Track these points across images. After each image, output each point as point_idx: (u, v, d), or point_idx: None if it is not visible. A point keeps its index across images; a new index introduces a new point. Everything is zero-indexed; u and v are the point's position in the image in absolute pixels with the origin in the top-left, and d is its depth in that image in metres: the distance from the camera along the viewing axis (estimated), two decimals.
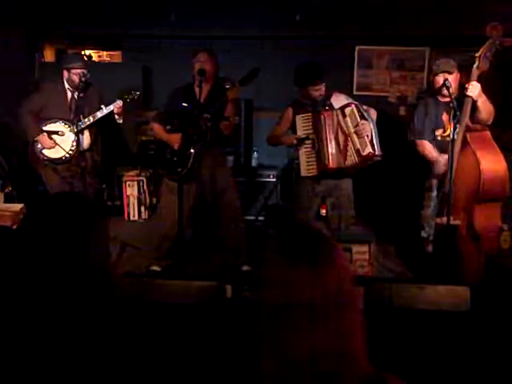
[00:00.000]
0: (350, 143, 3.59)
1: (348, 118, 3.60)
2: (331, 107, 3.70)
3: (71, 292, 1.13)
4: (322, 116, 3.64)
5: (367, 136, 3.50)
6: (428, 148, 3.70)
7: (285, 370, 0.93)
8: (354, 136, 3.57)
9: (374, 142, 3.50)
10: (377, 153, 3.50)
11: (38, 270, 1.12)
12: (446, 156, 3.48)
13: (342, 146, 3.63)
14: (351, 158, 3.60)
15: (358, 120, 3.54)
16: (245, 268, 3.91)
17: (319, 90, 3.67)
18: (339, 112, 3.63)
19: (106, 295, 1.22)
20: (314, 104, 3.72)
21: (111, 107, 4.02)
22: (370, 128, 3.50)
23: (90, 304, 1.15)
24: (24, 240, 1.16)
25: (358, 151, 3.55)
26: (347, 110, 3.61)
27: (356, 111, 3.56)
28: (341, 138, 3.63)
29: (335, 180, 3.79)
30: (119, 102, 4.02)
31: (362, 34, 5.68)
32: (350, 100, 3.73)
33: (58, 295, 1.12)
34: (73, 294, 1.13)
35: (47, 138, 4.02)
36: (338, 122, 3.63)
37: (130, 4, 5.63)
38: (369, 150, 3.50)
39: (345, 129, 3.61)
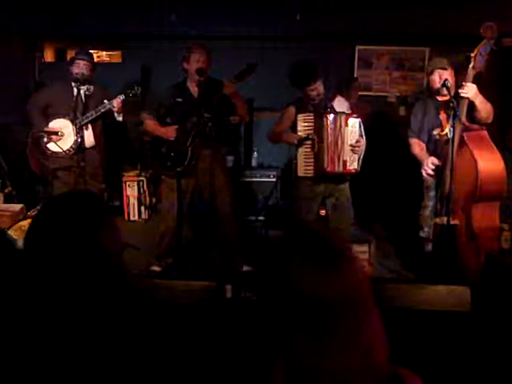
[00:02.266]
0: (342, 152, 3.61)
1: (349, 129, 3.60)
2: (333, 110, 3.70)
3: (87, 290, 1.13)
4: (325, 118, 3.61)
5: (358, 154, 3.61)
6: (417, 148, 3.72)
7: (305, 376, 0.92)
8: (348, 148, 3.59)
9: (360, 160, 3.63)
10: (357, 171, 3.65)
11: (51, 269, 1.12)
12: (434, 159, 3.55)
13: (339, 151, 3.63)
14: (338, 166, 3.63)
15: (358, 136, 3.60)
16: (245, 268, 3.91)
17: (316, 90, 3.64)
18: (343, 118, 3.60)
19: (123, 293, 1.22)
20: (316, 104, 3.71)
21: (113, 102, 4.03)
22: (364, 147, 3.61)
23: (105, 302, 1.15)
24: (35, 240, 1.16)
25: (345, 163, 3.61)
26: (351, 121, 3.61)
27: (358, 126, 3.61)
28: (339, 143, 3.62)
29: (334, 181, 3.79)
30: (121, 97, 4.03)
31: (362, 34, 5.68)
32: (346, 106, 3.78)
33: (73, 294, 1.12)
34: (89, 292, 1.13)
35: (52, 134, 4.09)
36: (340, 128, 3.61)
37: (130, 4, 5.63)
38: (354, 166, 3.63)
39: (343, 136, 3.60)
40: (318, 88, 3.64)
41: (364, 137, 3.62)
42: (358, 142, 3.59)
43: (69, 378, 1.08)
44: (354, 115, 3.65)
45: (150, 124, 3.95)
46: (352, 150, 3.59)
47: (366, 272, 1.01)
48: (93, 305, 1.12)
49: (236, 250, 4.02)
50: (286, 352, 0.92)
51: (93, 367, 1.09)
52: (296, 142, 3.71)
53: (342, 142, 3.60)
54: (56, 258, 1.12)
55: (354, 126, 3.61)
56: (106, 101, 4.05)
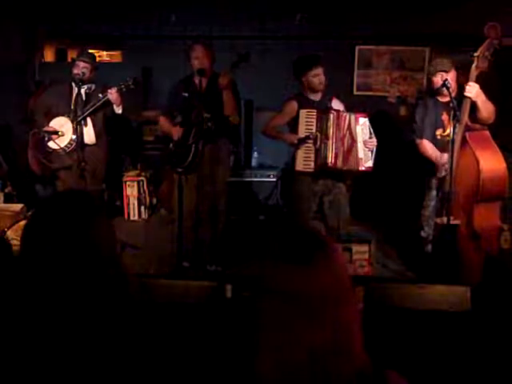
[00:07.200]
0: (354, 149, 3.64)
1: (361, 127, 3.66)
2: (335, 109, 3.72)
3: (81, 289, 1.13)
4: (332, 115, 3.63)
5: (372, 151, 3.65)
6: (429, 148, 3.69)
7: (283, 370, 0.94)
8: (361, 145, 3.63)
9: (373, 157, 3.67)
10: (372, 168, 3.69)
11: (46, 270, 1.13)
12: (446, 155, 3.49)
13: (346, 149, 3.64)
14: (351, 164, 3.66)
15: (370, 133, 3.66)
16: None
17: (318, 77, 3.67)
18: (353, 117, 3.65)
19: (118, 291, 1.22)
20: (318, 103, 3.75)
21: (107, 95, 4.06)
22: (375, 144, 3.65)
23: (100, 300, 1.15)
24: (31, 242, 1.16)
25: (360, 160, 3.64)
26: (362, 120, 3.67)
27: (368, 124, 3.67)
28: (347, 141, 3.64)
29: (332, 179, 3.80)
30: (113, 89, 4.04)
31: (362, 34, 5.67)
32: (342, 108, 3.83)
33: (68, 293, 1.12)
34: (83, 291, 1.13)
35: (52, 134, 4.13)
36: (349, 126, 3.64)
37: (129, 4, 5.63)
38: (370, 164, 3.67)
39: (354, 134, 3.64)
40: (320, 76, 3.67)
41: (373, 134, 3.67)
42: (370, 138, 3.65)
43: (65, 377, 1.08)
44: (363, 114, 3.70)
45: (162, 120, 4.09)
46: (365, 147, 3.64)
47: (347, 268, 1.05)
48: (88, 304, 1.12)
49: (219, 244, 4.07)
50: (267, 341, 0.97)
51: (89, 367, 1.09)
52: (296, 141, 3.71)
53: (354, 141, 3.64)
54: (51, 259, 1.12)
55: (364, 124, 3.66)
56: (100, 95, 4.09)
